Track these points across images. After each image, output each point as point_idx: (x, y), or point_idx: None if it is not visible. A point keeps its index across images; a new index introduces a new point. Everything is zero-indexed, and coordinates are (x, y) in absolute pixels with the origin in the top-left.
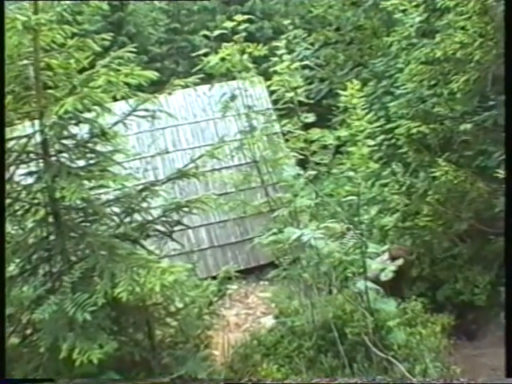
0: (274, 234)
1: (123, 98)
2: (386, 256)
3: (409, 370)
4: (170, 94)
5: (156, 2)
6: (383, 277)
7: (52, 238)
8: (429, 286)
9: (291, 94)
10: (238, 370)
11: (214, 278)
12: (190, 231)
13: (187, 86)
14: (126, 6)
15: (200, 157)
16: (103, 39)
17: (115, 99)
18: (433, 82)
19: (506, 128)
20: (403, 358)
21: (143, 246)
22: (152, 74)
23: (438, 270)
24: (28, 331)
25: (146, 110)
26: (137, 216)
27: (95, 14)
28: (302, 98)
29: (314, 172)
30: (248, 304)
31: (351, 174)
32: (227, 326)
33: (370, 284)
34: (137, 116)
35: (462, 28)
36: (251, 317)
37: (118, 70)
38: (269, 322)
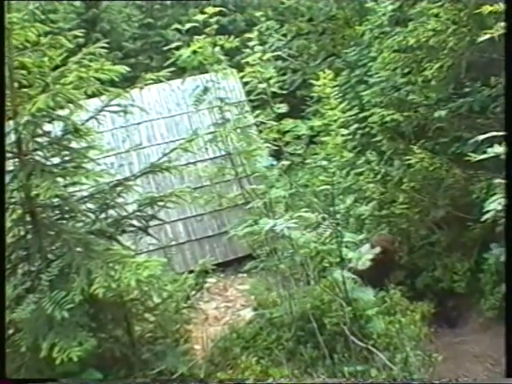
0: (250, 225)
1: (95, 94)
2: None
3: (389, 358)
4: (141, 88)
5: None
6: (360, 265)
7: (29, 236)
8: (407, 274)
9: (264, 85)
10: (218, 363)
11: (192, 271)
12: (167, 226)
13: (159, 80)
14: (100, 3)
15: (172, 150)
16: (76, 36)
17: (89, 96)
18: (406, 70)
19: (506, 128)
20: (383, 347)
21: (119, 242)
22: (122, 69)
23: (417, 257)
24: (10, 331)
25: (118, 105)
26: (112, 212)
27: (69, 11)
28: (275, 89)
29: (287, 162)
30: (227, 297)
31: (325, 163)
32: (207, 320)
33: (347, 273)
34: (109, 111)
35: (436, 15)
36: (230, 310)
37: (89, 66)
38: (248, 314)
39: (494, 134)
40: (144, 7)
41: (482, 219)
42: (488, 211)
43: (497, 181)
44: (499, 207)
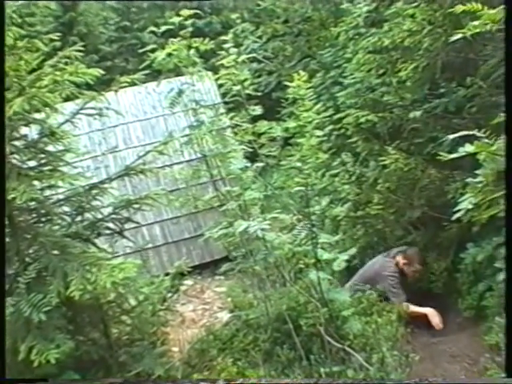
0: (225, 227)
1: (70, 97)
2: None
3: (366, 359)
4: (116, 91)
5: (106, 1)
6: (336, 267)
7: (7, 240)
8: None
9: (238, 88)
10: (195, 365)
11: (169, 274)
12: (143, 228)
13: (134, 83)
14: (78, 6)
15: (147, 153)
16: (52, 40)
17: (65, 99)
18: (381, 71)
19: (506, 127)
20: (360, 348)
21: (95, 245)
22: (97, 72)
23: None
24: None
25: (93, 108)
26: (88, 215)
27: (47, 15)
28: (250, 91)
29: (261, 164)
30: (204, 299)
31: (299, 165)
32: (184, 322)
33: (322, 274)
34: (84, 114)
35: (411, 16)
36: (208, 312)
37: (64, 69)
38: (225, 316)
39: (465, 133)
40: (120, 10)
41: (453, 218)
42: (459, 210)
43: (469, 180)
44: (470, 206)
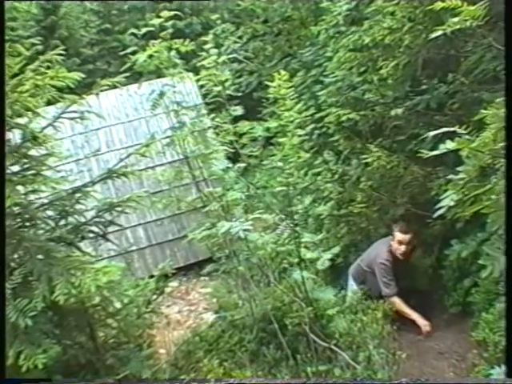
0: (208, 228)
1: (51, 102)
2: None
3: (352, 357)
4: (97, 94)
5: (87, 4)
6: (319, 265)
7: None
8: None
9: (219, 88)
10: (182, 366)
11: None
12: (127, 231)
13: (115, 86)
14: (59, 10)
15: (129, 155)
16: (33, 44)
17: (48, 103)
18: (362, 69)
19: (506, 127)
20: (346, 346)
21: (79, 248)
22: (77, 75)
23: None
24: None
25: (75, 112)
26: (72, 219)
27: (28, 19)
28: (231, 92)
29: (242, 164)
30: (190, 301)
31: (280, 164)
32: (170, 324)
33: (306, 274)
34: (66, 118)
35: (391, 14)
36: (193, 313)
37: (45, 73)
38: (211, 317)
39: (446, 129)
40: (101, 13)
41: (435, 215)
42: (441, 207)
43: (450, 177)
44: (452, 203)
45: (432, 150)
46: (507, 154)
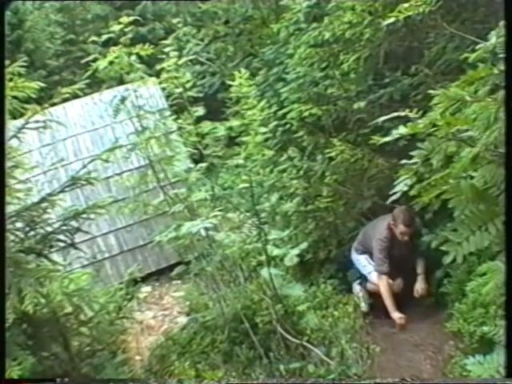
0: (173, 230)
1: (13, 113)
2: None
3: (325, 353)
4: (56, 103)
5: (52, 16)
6: (287, 262)
7: None
8: (338, 268)
9: (180, 90)
10: (157, 371)
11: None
12: (99, 239)
13: (76, 94)
14: (24, 23)
15: (91, 161)
16: None
17: (10, 115)
18: (324, 65)
19: (506, 127)
20: (318, 342)
21: (48, 258)
22: (36, 85)
23: (346, 250)
24: None
25: (37, 122)
26: (40, 229)
27: None
28: (193, 93)
29: (204, 164)
30: (164, 305)
31: (242, 162)
32: (145, 330)
33: (274, 271)
34: (29, 129)
35: (351, 8)
36: (168, 317)
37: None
38: (185, 320)
39: (396, 114)
40: (66, 24)
41: (388, 202)
42: (395, 193)
43: (403, 162)
44: (405, 188)
45: (396, 142)
46: (507, 154)
